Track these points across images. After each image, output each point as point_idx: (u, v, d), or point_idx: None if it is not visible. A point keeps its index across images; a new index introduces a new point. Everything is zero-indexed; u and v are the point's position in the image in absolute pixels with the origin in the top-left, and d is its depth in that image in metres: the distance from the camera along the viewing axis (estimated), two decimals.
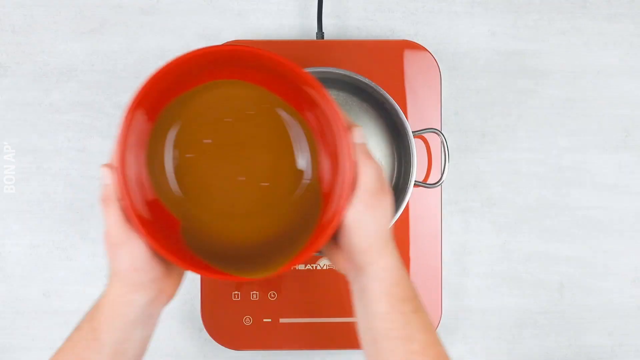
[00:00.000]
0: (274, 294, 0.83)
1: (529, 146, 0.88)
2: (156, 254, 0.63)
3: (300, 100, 0.68)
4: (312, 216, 0.68)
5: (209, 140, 0.69)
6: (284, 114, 0.70)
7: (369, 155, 0.64)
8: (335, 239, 0.66)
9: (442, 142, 0.80)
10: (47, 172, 0.87)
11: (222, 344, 0.83)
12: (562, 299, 0.88)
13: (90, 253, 0.87)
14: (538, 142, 0.88)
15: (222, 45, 0.65)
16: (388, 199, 0.64)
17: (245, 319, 0.83)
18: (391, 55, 0.83)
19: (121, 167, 0.62)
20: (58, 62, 0.87)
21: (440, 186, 0.82)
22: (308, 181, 0.70)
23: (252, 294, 0.83)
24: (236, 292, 0.83)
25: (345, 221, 0.63)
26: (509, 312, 0.88)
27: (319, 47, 0.84)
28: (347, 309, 0.83)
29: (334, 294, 0.83)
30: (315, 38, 0.86)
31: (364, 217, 0.63)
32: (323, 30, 0.86)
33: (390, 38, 0.88)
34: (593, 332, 0.88)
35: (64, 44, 0.87)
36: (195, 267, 0.63)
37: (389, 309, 0.63)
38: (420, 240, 0.83)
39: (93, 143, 0.87)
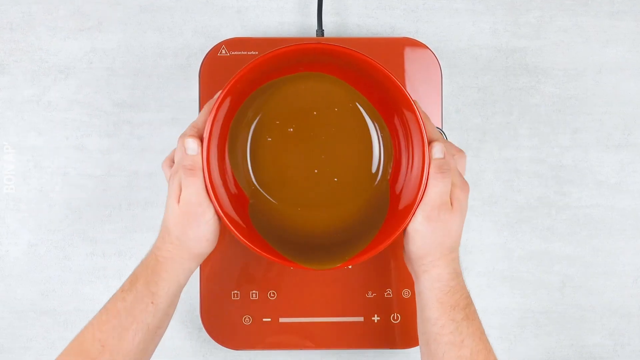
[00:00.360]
0: (273, 293, 0.82)
1: (530, 144, 0.88)
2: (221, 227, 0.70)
3: (387, 105, 0.72)
4: (378, 218, 0.72)
5: (291, 129, 0.74)
6: (367, 116, 0.74)
7: (443, 170, 0.68)
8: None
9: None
10: (45, 170, 0.87)
11: (222, 344, 0.83)
12: (564, 298, 0.87)
13: (89, 252, 0.86)
14: (539, 140, 0.88)
15: (319, 43, 0.69)
16: (452, 217, 0.68)
17: (245, 318, 0.82)
18: (392, 52, 0.83)
19: (207, 143, 0.68)
20: (56, 59, 0.87)
21: None
22: (380, 184, 0.74)
23: (252, 293, 0.82)
24: (235, 292, 0.82)
25: (406, 228, 0.69)
26: (510, 311, 0.88)
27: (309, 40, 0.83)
28: (346, 308, 0.82)
29: (334, 294, 0.82)
30: (315, 36, 0.86)
31: (422, 227, 0.68)
32: (323, 28, 0.86)
33: (391, 35, 0.87)
34: (595, 331, 0.88)
35: (62, 42, 0.87)
36: (262, 249, 0.69)
37: (439, 315, 0.68)
38: None
39: (91, 141, 0.87)
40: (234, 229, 0.69)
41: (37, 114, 0.87)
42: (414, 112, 0.69)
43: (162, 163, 0.76)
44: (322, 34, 0.85)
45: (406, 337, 0.83)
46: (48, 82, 0.87)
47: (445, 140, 0.71)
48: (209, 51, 0.82)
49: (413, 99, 0.69)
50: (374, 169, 0.75)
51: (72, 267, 0.87)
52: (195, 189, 0.68)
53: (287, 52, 0.69)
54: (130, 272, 0.69)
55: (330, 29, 0.88)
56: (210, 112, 0.69)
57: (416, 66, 0.83)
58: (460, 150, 0.72)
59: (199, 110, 0.82)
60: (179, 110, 0.87)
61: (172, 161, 0.75)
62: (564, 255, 0.88)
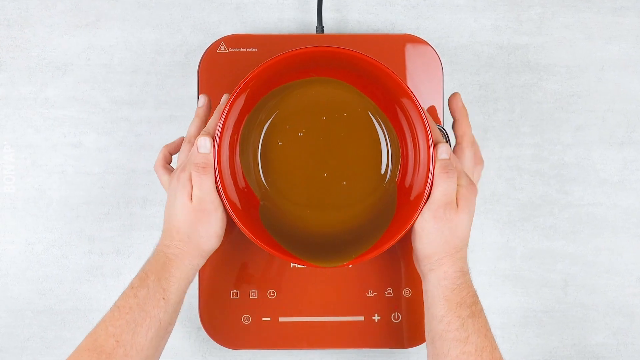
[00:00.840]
0: (273, 292, 0.82)
1: (532, 142, 0.87)
2: (229, 226, 0.72)
3: (389, 101, 0.75)
4: (386, 218, 0.75)
5: (301, 133, 0.77)
6: (375, 120, 0.77)
7: (448, 170, 0.70)
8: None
9: (444, 138, 0.79)
10: (42, 168, 0.86)
11: (221, 344, 0.82)
12: (566, 297, 0.87)
13: (86, 251, 0.86)
14: (541, 137, 0.87)
15: (326, 46, 0.73)
16: (458, 216, 0.70)
17: (244, 317, 0.82)
18: (392, 49, 0.82)
19: (219, 138, 0.71)
20: (53, 56, 0.86)
21: None
22: (388, 186, 0.77)
23: (251, 292, 0.82)
24: (235, 291, 0.82)
25: (414, 226, 0.71)
26: (512, 310, 0.87)
27: (319, 42, 0.83)
28: (346, 307, 0.82)
29: (334, 293, 0.82)
30: (315, 32, 0.85)
31: (429, 225, 0.70)
32: (323, 25, 0.85)
33: (392, 32, 0.87)
34: (597, 331, 0.87)
35: (59, 38, 0.86)
36: (271, 247, 0.72)
37: (445, 312, 0.69)
38: None
39: (89, 139, 0.86)
40: (244, 228, 0.71)
41: (34, 111, 0.86)
42: (411, 98, 0.71)
43: (155, 165, 0.77)
44: (322, 31, 0.85)
45: (407, 336, 0.82)
46: (45, 79, 0.86)
47: (472, 142, 0.75)
48: (208, 48, 0.82)
49: (420, 102, 0.72)
50: (382, 172, 0.77)
51: (70, 265, 0.86)
52: (207, 187, 0.70)
53: (290, 56, 0.72)
54: (136, 270, 0.70)
55: (330, 25, 0.87)
56: (224, 108, 0.71)
57: (417, 63, 0.82)
58: (481, 160, 0.76)
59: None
60: (178, 107, 0.86)
61: (166, 162, 0.77)
62: (566, 253, 0.87)
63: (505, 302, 0.87)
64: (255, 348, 0.82)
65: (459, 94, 0.77)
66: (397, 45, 0.83)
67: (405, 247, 0.82)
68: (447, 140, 0.79)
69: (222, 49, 0.82)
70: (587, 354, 0.87)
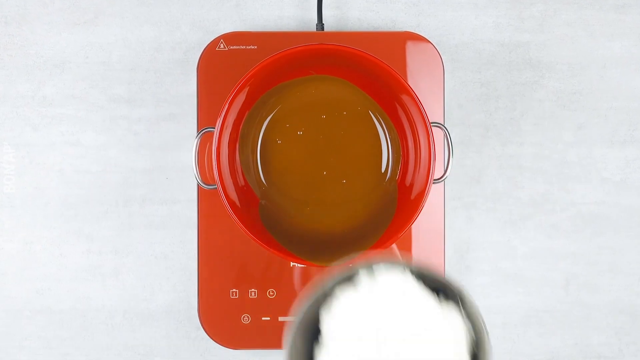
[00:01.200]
0: (272, 292, 0.82)
1: (534, 140, 0.87)
2: None
3: (389, 98, 0.75)
4: (386, 217, 0.76)
5: (301, 132, 0.77)
6: (375, 118, 0.77)
7: None
8: None
9: (445, 136, 0.79)
10: (40, 167, 0.86)
11: (220, 343, 0.82)
12: (568, 296, 0.87)
13: (85, 250, 0.85)
14: (543, 136, 0.87)
15: (326, 44, 0.73)
16: None
17: (244, 317, 0.82)
18: (393, 47, 0.82)
19: (218, 142, 0.72)
20: (51, 54, 0.86)
21: (443, 182, 0.81)
22: (388, 184, 0.77)
23: (251, 291, 0.82)
24: (234, 290, 0.82)
25: None
26: (513, 310, 0.87)
27: (319, 40, 0.82)
28: None
29: None
30: (315, 30, 0.85)
31: None
32: (323, 22, 0.85)
33: (392, 29, 0.87)
34: (599, 330, 0.87)
35: (57, 36, 0.86)
36: (270, 246, 0.72)
37: None
38: (422, 237, 0.82)
39: (87, 137, 0.86)
40: (244, 227, 0.72)
41: (32, 110, 0.86)
42: (412, 96, 0.72)
43: None
44: (322, 29, 0.84)
45: None
46: (43, 77, 0.86)
47: None
48: (207, 45, 0.82)
49: (420, 100, 0.72)
50: (382, 171, 0.77)
51: (68, 264, 0.86)
52: None
53: (290, 54, 0.72)
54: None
55: (331, 23, 0.87)
56: (224, 103, 0.71)
57: (418, 61, 0.82)
58: None
59: (197, 106, 0.81)
60: (177, 105, 0.86)
61: None
62: (568, 252, 0.87)
63: (506, 301, 0.87)
64: (255, 348, 0.82)
65: None
66: (398, 42, 0.82)
67: (405, 246, 0.81)
68: (448, 140, 0.79)
69: (222, 46, 0.82)
70: (588, 353, 0.87)
